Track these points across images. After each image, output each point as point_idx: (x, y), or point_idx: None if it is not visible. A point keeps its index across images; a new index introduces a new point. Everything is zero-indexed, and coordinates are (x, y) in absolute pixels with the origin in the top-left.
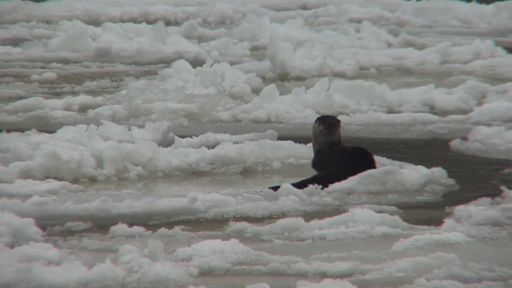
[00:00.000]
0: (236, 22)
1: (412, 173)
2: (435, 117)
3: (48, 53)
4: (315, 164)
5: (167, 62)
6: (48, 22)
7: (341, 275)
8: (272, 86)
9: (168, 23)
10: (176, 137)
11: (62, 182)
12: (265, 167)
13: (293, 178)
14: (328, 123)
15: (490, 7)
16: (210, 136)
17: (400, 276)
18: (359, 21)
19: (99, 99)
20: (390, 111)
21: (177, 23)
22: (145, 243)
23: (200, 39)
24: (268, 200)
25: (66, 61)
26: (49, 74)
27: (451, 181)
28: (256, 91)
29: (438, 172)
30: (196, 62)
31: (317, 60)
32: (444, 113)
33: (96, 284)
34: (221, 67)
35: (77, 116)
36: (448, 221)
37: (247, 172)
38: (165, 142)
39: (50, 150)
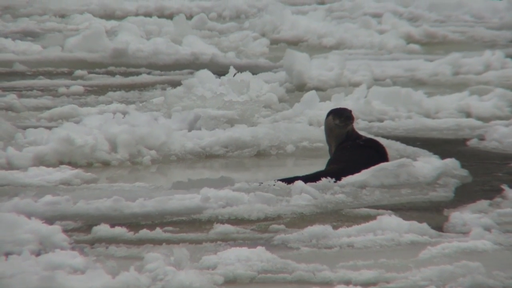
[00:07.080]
0: (251, 17)
1: (426, 166)
2: (478, 123)
3: (66, 53)
4: (332, 162)
5: (183, 63)
6: (62, 16)
7: (366, 284)
8: (313, 92)
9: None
10: (203, 128)
11: (75, 171)
12: (279, 150)
13: (307, 161)
14: (344, 116)
15: (503, 2)
16: None
17: (425, 285)
18: (374, 16)
19: (132, 107)
20: (427, 117)
21: (192, 17)
22: (171, 251)
23: (212, 31)
24: (280, 196)
25: (83, 62)
26: (77, 88)
27: (465, 172)
28: (280, 100)
29: (451, 163)
30: (212, 64)
31: (334, 71)
32: (483, 119)
33: None
34: (244, 77)
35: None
36: (476, 229)
37: (261, 155)
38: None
39: (64, 135)
